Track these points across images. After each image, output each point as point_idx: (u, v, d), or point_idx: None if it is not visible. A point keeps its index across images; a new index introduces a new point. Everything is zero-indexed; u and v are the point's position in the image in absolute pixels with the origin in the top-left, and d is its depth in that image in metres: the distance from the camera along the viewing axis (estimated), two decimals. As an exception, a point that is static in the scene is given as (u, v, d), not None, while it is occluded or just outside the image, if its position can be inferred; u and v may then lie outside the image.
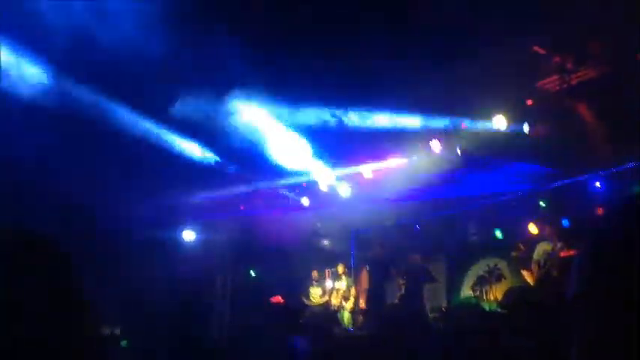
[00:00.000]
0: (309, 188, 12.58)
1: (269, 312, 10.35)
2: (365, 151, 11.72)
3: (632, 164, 9.41)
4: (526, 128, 10.19)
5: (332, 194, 12.30)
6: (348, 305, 12.34)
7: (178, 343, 9.78)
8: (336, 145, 11.39)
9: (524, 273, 10.55)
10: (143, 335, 10.18)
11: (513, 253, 10.87)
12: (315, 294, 12.75)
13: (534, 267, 10.56)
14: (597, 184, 10.49)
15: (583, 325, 1.35)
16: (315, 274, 12.87)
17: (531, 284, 10.46)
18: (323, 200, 12.58)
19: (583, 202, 10.18)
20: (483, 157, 11.06)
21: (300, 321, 9.26)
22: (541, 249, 10.61)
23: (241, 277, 13.51)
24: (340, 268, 12.76)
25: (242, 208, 12.91)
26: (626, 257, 1.31)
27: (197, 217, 12.84)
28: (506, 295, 10.84)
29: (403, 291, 11.72)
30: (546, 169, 11.09)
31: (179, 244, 12.45)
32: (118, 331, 9.72)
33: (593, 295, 1.34)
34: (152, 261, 11.29)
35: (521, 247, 10.71)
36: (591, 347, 1.33)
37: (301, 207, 12.79)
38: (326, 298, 12.59)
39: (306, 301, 12.58)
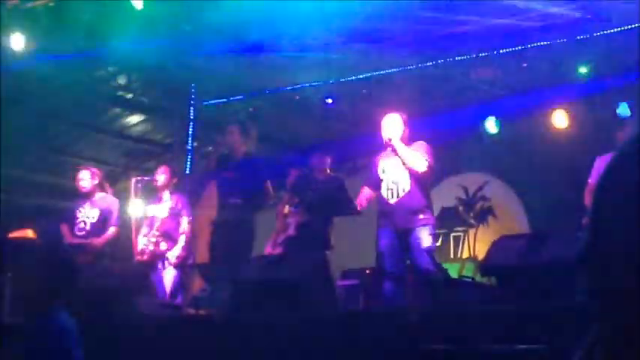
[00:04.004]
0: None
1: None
2: None
3: None
4: None
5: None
6: (174, 253, 6.28)
7: None
8: None
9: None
10: None
11: None
12: (88, 216, 6.42)
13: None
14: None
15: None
16: (89, 175, 6.52)
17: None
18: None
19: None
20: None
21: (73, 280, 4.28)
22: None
23: None
24: (161, 175, 6.50)
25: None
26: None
27: None
28: (494, 249, 5.40)
29: (292, 229, 6.11)
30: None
31: None
32: None
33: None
34: None
35: None
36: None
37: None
38: (111, 230, 6.43)
39: (70, 237, 6.34)
